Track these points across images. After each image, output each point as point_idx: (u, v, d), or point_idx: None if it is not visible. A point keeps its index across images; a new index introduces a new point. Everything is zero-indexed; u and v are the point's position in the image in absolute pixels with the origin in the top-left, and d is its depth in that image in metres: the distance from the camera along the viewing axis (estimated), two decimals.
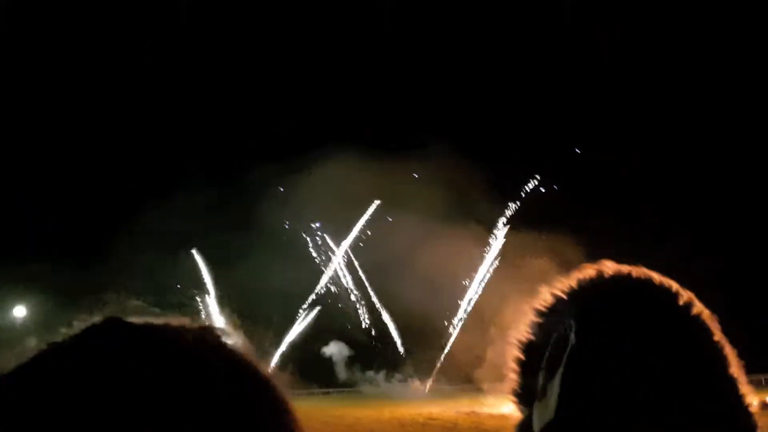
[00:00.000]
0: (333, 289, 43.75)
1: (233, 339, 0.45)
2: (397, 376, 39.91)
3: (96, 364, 0.40)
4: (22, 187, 40.31)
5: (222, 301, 40.35)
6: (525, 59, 38.74)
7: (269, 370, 0.44)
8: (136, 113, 41.84)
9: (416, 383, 38.75)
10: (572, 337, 0.59)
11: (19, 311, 33.19)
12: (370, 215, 42.83)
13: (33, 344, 0.41)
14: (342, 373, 40.67)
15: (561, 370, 0.58)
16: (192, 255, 42.25)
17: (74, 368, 0.40)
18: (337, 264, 43.77)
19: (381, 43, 42.14)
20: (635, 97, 36.90)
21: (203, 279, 42.13)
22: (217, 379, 0.41)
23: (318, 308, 43.09)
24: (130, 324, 0.43)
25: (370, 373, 40.38)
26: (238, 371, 0.43)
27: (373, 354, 40.87)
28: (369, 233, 42.66)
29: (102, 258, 36.13)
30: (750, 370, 0.61)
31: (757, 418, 0.59)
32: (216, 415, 0.40)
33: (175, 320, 0.45)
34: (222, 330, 0.45)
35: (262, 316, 34.81)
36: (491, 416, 18.40)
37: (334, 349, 41.09)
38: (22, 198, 40.02)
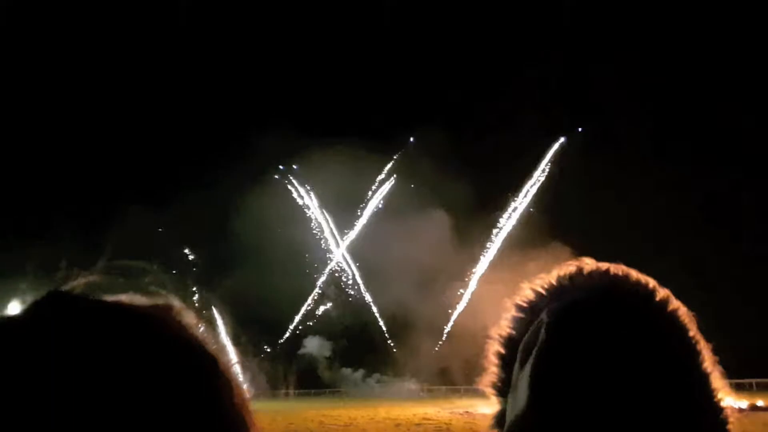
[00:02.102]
0: (329, 290, 43.80)
1: (187, 317, 0.44)
2: (392, 377, 39.94)
3: (35, 340, 0.39)
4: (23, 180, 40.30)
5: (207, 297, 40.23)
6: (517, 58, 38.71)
7: (222, 350, 0.44)
8: (137, 112, 41.85)
9: (411, 384, 38.78)
10: (542, 332, 0.60)
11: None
12: (368, 216, 42.89)
13: None
14: (328, 372, 40.72)
15: (530, 363, 0.59)
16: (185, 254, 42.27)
17: (11, 345, 0.39)
18: (333, 265, 43.79)
19: (378, 42, 42.09)
20: (635, 93, 36.82)
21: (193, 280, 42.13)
22: (162, 357, 0.41)
23: (320, 309, 43.12)
24: (75, 298, 0.42)
25: (364, 374, 40.42)
26: (184, 349, 0.42)
27: (369, 355, 40.92)
28: (366, 235, 42.72)
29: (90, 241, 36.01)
30: (740, 374, 0.60)
31: (729, 412, 0.60)
32: (158, 392, 0.39)
33: (128, 297, 0.44)
34: (176, 308, 0.44)
35: (254, 316, 34.79)
36: (485, 416, 18.39)
37: (314, 347, 41.07)
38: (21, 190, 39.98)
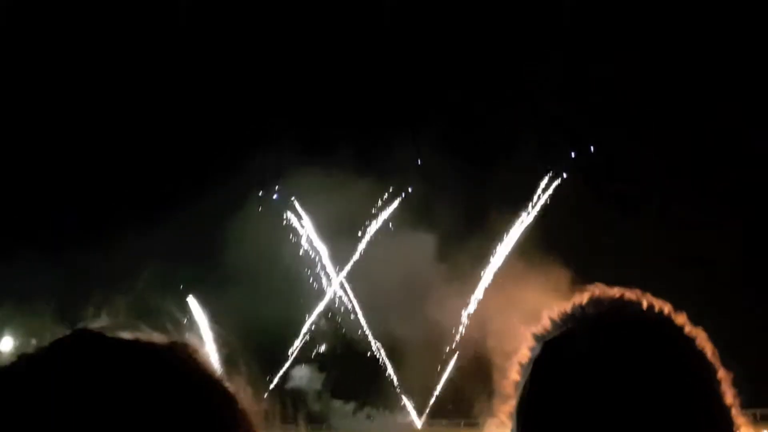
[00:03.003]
0: (321, 323, 43.43)
1: (203, 354, 0.47)
2: (385, 409, 39.39)
3: (62, 375, 0.41)
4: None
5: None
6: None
7: (238, 386, 0.46)
8: (131, 122, 41.53)
9: (407, 416, 38.27)
10: (530, 366, 0.61)
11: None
12: (364, 243, 42.75)
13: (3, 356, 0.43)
14: (319, 405, 40.04)
15: (518, 395, 0.60)
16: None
17: (42, 380, 0.41)
18: (328, 295, 43.54)
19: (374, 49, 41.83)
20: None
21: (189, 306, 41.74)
22: (182, 394, 0.43)
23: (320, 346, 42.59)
24: (99, 337, 0.45)
25: (355, 406, 39.85)
26: (203, 386, 0.44)
27: (361, 387, 40.39)
28: (360, 263, 42.52)
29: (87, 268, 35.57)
30: (745, 404, 0.59)
31: None
32: (183, 426, 0.41)
33: (146, 335, 0.46)
34: (191, 345, 0.47)
35: (247, 347, 34.34)
36: None
37: (305, 378, 40.41)
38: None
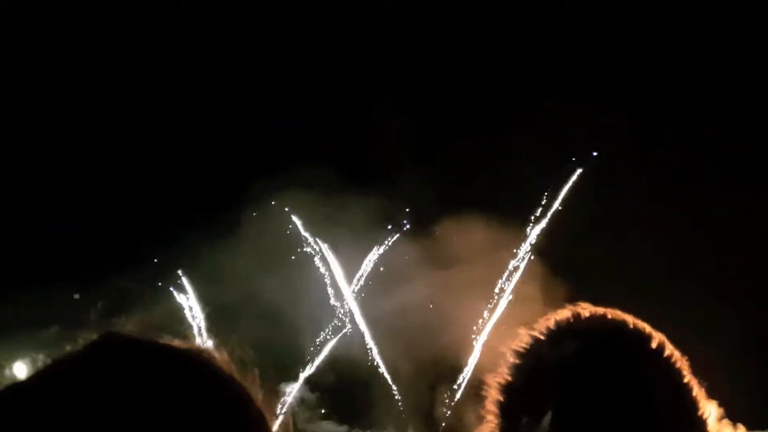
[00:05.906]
0: (333, 337, 43.27)
1: (220, 359, 0.51)
2: None
3: (97, 376, 0.45)
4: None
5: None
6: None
7: (257, 391, 0.50)
8: (127, 131, 41.50)
9: None
10: (563, 384, 0.63)
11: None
12: (372, 262, 42.62)
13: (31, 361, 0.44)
14: (311, 425, 39.78)
15: (549, 419, 0.61)
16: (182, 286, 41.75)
17: (78, 381, 0.44)
18: (339, 312, 43.38)
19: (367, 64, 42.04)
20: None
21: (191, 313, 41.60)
22: (205, 395, 0.46)
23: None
24: (128, 337, 0.49)
25: (347, 430, 39.60)
26: (223, 389, 0.48)
27: (354, 410, 40.20)
28: (367, 280, 42.39)
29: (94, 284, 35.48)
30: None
31: None
32: (210, 421, 0.45)
33: (168, 340, 0.50)
34: (209, 350, 0.51)
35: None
36: None
37: (297, 397, 40.12)
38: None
